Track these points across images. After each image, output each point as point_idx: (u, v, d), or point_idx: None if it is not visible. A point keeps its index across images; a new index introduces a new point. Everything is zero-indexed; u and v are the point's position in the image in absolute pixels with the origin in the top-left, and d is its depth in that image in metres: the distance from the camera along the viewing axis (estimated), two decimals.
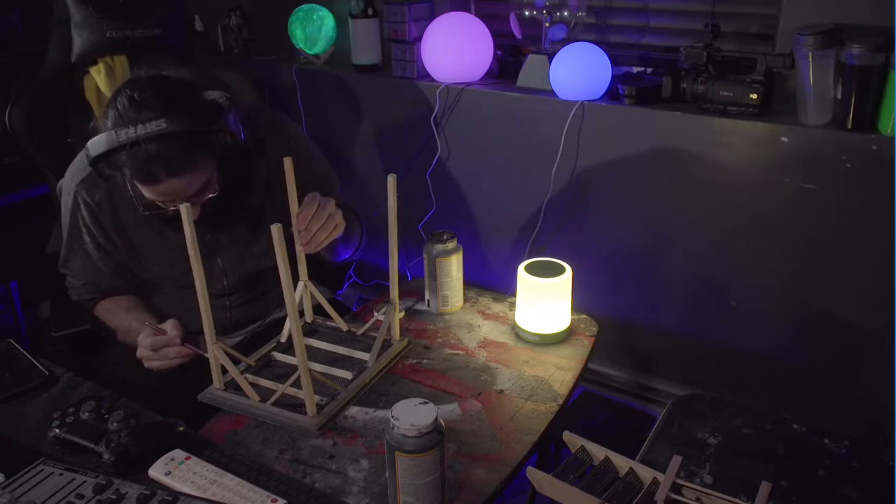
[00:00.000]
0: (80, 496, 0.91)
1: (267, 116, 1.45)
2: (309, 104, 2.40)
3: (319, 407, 1.14)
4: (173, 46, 1.80)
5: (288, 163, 1.23)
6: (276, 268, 1.02)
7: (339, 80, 2.33)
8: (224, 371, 1.19)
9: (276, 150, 1.36)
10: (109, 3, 1.68)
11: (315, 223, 1.24)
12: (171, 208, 1.23)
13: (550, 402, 1.18)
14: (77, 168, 1.37)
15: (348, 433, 1.11)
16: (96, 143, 1.15)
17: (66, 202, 1.38)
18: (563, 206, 2.02)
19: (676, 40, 1.88)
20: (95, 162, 1.17)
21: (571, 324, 1.38)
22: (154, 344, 1.25)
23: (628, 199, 1.92)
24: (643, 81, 1.86)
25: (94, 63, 1.70)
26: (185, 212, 1.07)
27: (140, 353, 1.27)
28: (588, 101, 1.87)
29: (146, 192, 1.21)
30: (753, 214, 1.75)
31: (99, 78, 1.70)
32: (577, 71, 1.85)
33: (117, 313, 1.42)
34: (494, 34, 2.07)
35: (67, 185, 1.37)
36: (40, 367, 1.21)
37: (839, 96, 1.56)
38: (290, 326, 1.07)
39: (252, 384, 1.18)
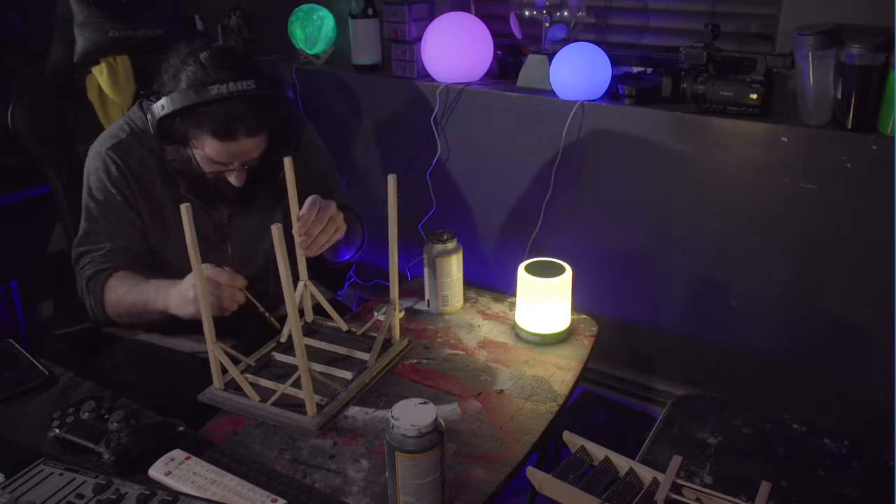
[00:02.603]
0: (80, 496, 0.91)
1: None
2: (309, 104, 2.40)
3: (319, 407, 1.14)
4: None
5: (288, 162, 1.23)
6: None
7: (339, 80, 2.33)
8: (224, 371, 1.19)
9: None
10: (112, 3, 1.68)
11: (316, 227, 1.24)
12: (232, 167, 1.28)
13: (550, 402, 1.18)
14: (107, 136, 1.38)
15: (348, 433, 1.11)
16: (178, 98, 1.19)
17: (93, 168, 1.37)
18: (563, 206, 2.02)
19: (676, 40, 1.88)
20: (172, 117, 1.21)
21: (571, 324, 1.38)
22: (232, 280, 1.17)
23: (628, 199, 1.92)
24: (643, 81, 1.86)
25: (97, 63, 1.70)
26: (186, 212, 1.07)
27: (209, 271, 1.17)
28: (588, 101, 1.87)
29: (215, 151, 1.24)
30: (753, 214, 1.75)
31: (101, 77, 1.70)
32: (577, 71, 1.85)
33: (139, 280, 1.33)
34: (494, 34, 2.07)
35: (96, 150, 1.37)
36: (40, 367, 1.21)
37: (839, 96, 1.56)
38: (290, 326, 1.07)
39: (252, 384, 1.18)
